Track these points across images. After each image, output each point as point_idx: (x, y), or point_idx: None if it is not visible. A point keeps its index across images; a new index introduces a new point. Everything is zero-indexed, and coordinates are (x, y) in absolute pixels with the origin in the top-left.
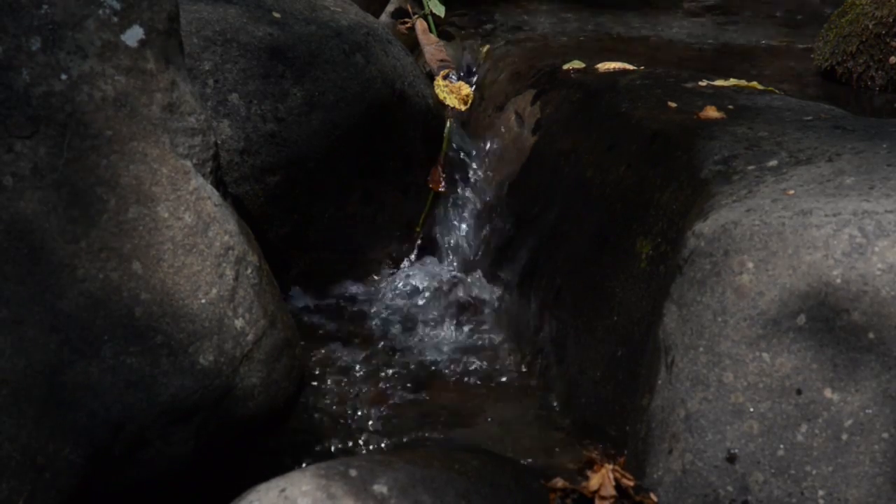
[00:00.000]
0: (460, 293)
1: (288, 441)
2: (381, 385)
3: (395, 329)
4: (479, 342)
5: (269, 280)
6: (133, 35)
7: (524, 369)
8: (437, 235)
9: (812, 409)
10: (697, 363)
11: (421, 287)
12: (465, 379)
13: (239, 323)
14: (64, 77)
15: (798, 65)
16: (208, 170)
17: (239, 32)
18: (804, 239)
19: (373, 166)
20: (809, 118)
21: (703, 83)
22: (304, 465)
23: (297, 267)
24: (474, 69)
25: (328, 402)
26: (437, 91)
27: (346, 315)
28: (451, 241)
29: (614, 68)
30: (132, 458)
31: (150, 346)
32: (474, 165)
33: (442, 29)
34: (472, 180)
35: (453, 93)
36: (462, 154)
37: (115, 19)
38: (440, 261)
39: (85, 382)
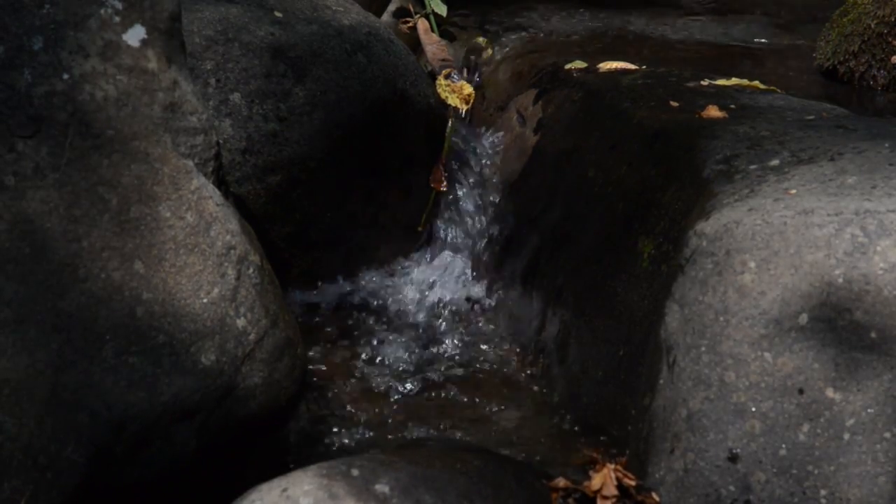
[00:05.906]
0: (462, 292)
1: (290, 440)
2: (382, 384)
3: (397, 328)
4: (481, 341)
5: (271, 279)
6: (135, 34)
7: (526, 368)
8: (439, 234)
9: (814, 408)
10: (699, 363)
11: (422, 286)
12: (467, 378)
13: (241, 322)
14: (66, 76)
15: (800, 64)
16: (210, 169)
17: (241, 32)
18: (806, 238)
19: (374, 166)
20: (811, 117)
21: (705, 82)
22: (305, 464)
23: (299, 266)
24: (476, 68)
25: (330, 401)
26: (439, 90)
27: (347, 315)
28: (453, 241)
29: (616, 68)
30: (134, 458)
31: (151, 345)
32: (476, 165)
33: (444, 28)
34: (473, 180)
35: (455, 92)
36: (464, 152)
37: (117, 19)
38: (442, 260)
39: (87, 382)
